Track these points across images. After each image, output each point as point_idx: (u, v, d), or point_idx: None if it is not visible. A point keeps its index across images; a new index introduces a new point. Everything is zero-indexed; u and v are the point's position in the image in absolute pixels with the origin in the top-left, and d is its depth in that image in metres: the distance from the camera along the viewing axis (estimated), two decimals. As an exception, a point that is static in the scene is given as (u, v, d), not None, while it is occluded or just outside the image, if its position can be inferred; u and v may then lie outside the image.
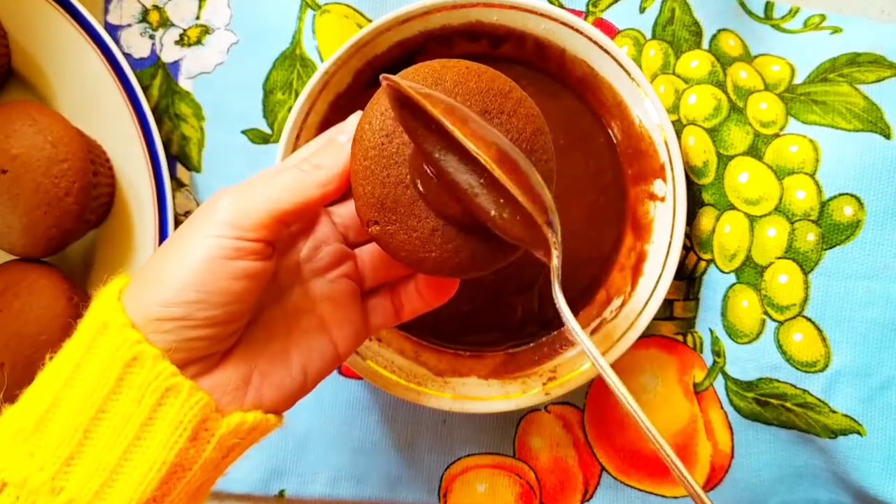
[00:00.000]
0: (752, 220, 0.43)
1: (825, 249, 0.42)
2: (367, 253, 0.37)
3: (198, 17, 0.48)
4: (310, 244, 0.35)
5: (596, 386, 0.48)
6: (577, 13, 0.47)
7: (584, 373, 0.44)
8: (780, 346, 0.43)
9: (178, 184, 0.49)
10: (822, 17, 0.47)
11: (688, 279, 0.47)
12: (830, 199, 0.42)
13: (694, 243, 0.46)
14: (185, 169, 0.49)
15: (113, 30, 0.49)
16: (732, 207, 0.44)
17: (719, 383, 0.46)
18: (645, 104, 0.43)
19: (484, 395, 0.45)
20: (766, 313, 0.43)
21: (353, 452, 0.49)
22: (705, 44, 0.46)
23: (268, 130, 0.48)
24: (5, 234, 0.44)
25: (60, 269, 0.46)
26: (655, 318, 0.44)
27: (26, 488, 0.27)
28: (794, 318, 0.42)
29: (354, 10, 0.48)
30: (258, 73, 0.48)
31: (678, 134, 0.44)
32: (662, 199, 0.44)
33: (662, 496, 0.48)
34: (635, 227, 0.46)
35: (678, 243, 0.43)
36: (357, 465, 0.49)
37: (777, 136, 0.43)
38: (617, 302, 0.45)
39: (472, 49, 0.45)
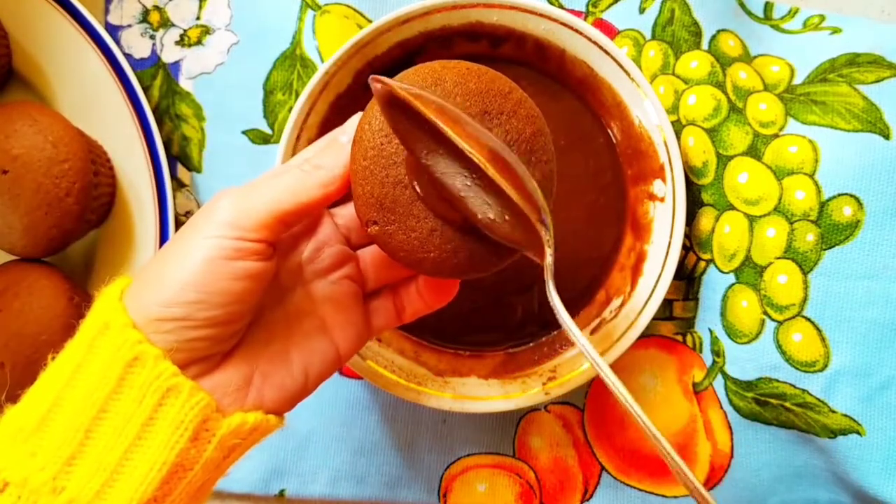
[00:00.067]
0: (752, 220, 0.43)
1: (824, 249, 0.42)
2: (369, 254, 0.37)
3: (198, 18, 0.49)
4: (312, 245, 0.35)
5: (596, 386, 0.49)
6: (577, 14, 0.47)
7: (584, 372, 0.44)
8: (779, 346, 0.43)
9: (178, 184, 0.49)
10: (822, 18, 0.47)
11: (687, 279, 0.47)
12: (830, 199, 0.42)
13: (693, 243, 0.46)
14: (185, 169, 0.49)
15: (113, 30, 0.49)
16: (732, 207, 0.44)
17: (719, 383, 0.46)
18: (644, 104, 0.43)
19: (484, 394, 0.45)
20: (765, 313, 0.43)
21: (353, 452, 0.49)
22: (705, 44, 0.46)
23: (268, 131, 0.49)
24: (6, 234, 0.44)
25: (61, 269, 0.46)
26: (655, 318, 0.44)
27: (27, 488, 0.27)
28: (793, 318, 0.42)
29: (354, 10, 0.48)
30: (258, 73, 0.48)
31: (678, 134, 0.44)
32: (662, 200, 0.44)
33: (662, 496, 0.48)
34: (635, 227, 0.46)
35: (678, 243, 0.44)
36: (357, 465, 0.49)
37: (776, 136, 0.43)
38: (616, 302, 0.46)
39: (472, 49, 0.45)
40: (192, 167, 0.49)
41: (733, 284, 0.44)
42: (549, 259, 0.30)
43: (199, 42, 0.49)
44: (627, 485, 0.48)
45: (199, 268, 0.29)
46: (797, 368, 0.42)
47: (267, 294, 0.32)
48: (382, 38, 0.43)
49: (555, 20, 0.43)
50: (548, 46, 0.44)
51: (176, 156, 0.49)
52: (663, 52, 0.46)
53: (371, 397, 0.49)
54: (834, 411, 0.42)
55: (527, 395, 0.44)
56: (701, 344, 0.47)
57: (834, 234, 0.42)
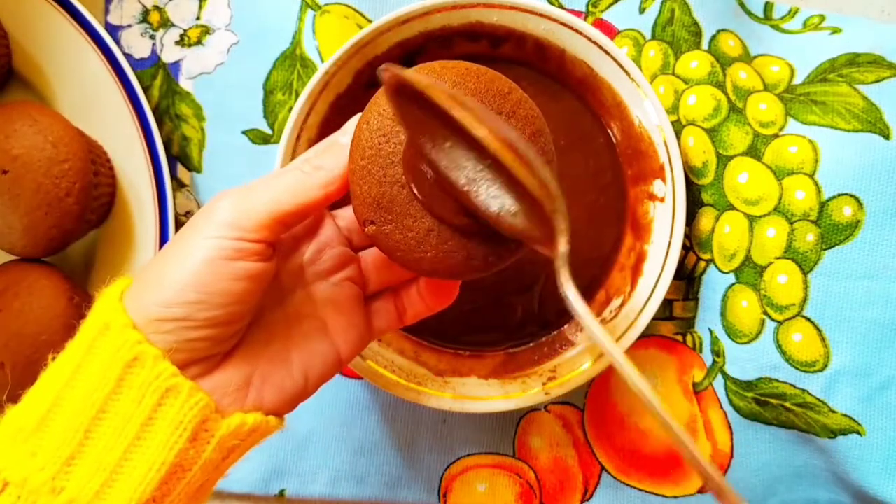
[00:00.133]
0: (752, 220, 0.43)
1: (824, 249, 0.42)
2: (371, 256, 0.37)
3: (198, 18, 0.49)
4: (313, 247, 0.35)
5: (596, 385, 0.49)
6: (577, 14, 0.47)
7: (584, 372, 0.44)
8: (779, 346, 0.43)
9: (178, 184, 0.49)
10: (822, 18, 0.47)
11: (687, 279, 0.47)
12: (830, 199, 0.42)
13: (693, 243, 0.46)
14: (185, 169, 0.49)
15: (113, 30, 0.49)
16: (732, 207, 0.44)
17: (719, 383, 0.46)
18: (644, 104, 0.43)
19: (484, 394, 0.45)
20: (765, 313, 0.43)
21: (353, 452, 0.49)
22: (705, 44, 0.46)
23: (268, 131, 0.49)
24: (6, 234, 0.44)
25: (61, 269, 0.46)
26: (655, 318, 0.44)
27: (27, 488, 0.27)
28: (793, 317, 0.42)
29: (354, 10, 0.48)
30: (258, 73, 0.48)
31: (678, 134, 0.44)
32: (662, 200, 0.44)
33: (663, 496, 0.48)
34: (635, 227, 0.46)
35: (678, 243, 0.44)
36: (357, 465, 0.49)
37: (776, 136, 0.43)
38: (616, 302, 0.46)
39: (472, 49, 0.45)
40: (192, 167, 0.49)
41: (733, 284, 0.44)
42: (565, 248, 0.28)
43: (199, 42, 0.49)
44: (627, 485, 0.48)
45: (199, 268, 0.29)
46: (797, 368, 0.42)
47: (267, 295, 0.32)
48: (382, 38, 0.43)
49: (555, 20, 0.43)
50: (548, 46, 0.44)
51: (176, 156, 0.49)
52: (663, 52, 0.46)
53: (371, 397, 0.49)
54: (834, 411, 0.42)
55: (527, 395, 0.44)
56: (701, 344, 0.47)
57: (834, 234, 0.42)
